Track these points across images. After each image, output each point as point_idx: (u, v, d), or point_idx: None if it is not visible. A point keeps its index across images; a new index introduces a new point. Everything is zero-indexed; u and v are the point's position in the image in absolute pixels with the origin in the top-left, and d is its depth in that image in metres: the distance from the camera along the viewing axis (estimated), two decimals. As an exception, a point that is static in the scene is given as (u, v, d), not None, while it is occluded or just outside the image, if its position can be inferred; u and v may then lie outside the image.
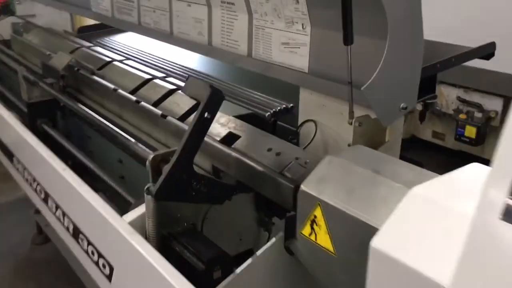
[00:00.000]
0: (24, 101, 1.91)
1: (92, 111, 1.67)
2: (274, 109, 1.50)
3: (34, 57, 2.46)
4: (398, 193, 0.81)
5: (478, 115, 3.73)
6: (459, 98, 3.80)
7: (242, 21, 1.55)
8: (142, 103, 1.57)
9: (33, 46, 2.46)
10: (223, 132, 1.35)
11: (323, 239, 0.90)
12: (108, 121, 1.56)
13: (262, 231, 1.45)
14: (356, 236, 0.84)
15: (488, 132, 3.79)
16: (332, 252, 0.89)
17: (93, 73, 1.83)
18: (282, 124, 1.47)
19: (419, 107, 3.40)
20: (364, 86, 1.01)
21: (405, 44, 1.04)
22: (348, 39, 1.02)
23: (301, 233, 0.96)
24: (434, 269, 0.63)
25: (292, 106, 1.52)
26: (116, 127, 1.52)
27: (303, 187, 0.94)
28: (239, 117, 1.43)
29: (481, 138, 3.75)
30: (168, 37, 1.90)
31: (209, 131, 1.25)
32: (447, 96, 3.92)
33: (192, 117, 1.48)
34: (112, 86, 1.71)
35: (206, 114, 1.10)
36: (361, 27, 1.04)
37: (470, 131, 3.66)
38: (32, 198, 1.74)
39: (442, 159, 4.26)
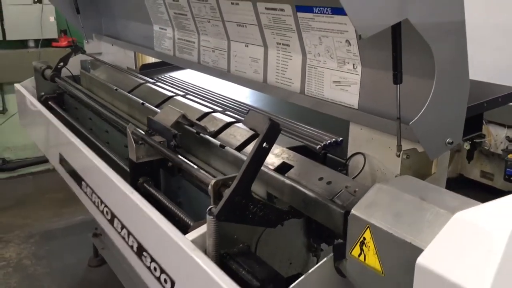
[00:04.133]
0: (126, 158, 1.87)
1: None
2: (324, 142, 1.61)
3: (101, 91, 2.69)
4: (442, 218, 0.89)
5: (527, 155, 3.68)
6: (508, 138, 3.77)
7: (296, 61, 1.68)
8: (202, 134, 1.72)
9: (100, 81, 2.69)
10: (277, 162, 1.47)
11: (372, 260, 0.98)
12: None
13: (311, 257, 1.53)
14: (402, 256, 0.91)
15: (538, 172, 3.72)
16: (380, 272, 0.97)
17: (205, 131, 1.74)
18: (331, 156, 1.56)
19: (467, 146, 3.40)
20: (412, 122, 1.11)
21: (451, 83, 1.13)
22: (397, 79, 1.12)
23: (351, 254, 1.04)
24: (471, 282, 0.70)
25: (341, 140, 1.62)
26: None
27: (353, 211, 1.03)
28: (292, 148, 1.54)
29: (530, 179, 3.69)
30: (225, 74, 2.06)
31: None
32: (496, 136, 3.89)
33: (249, 147, 1.63)
34: (218, 143, 1.67)
35: (264, 144, 1.22)
36: (410, 68, 1.14)
37: (520, 171, 3.61)
38: (98, 219, 1.89)
39: (491, 200, 4.19)
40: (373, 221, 0.98)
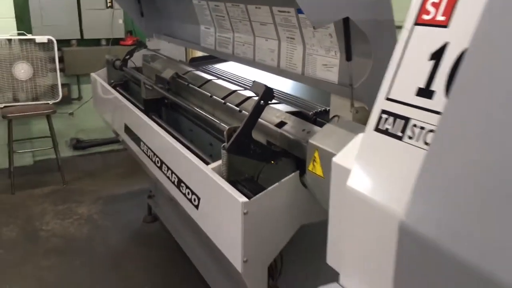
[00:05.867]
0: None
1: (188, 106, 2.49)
2: (315, 110, 2.16)
3: (158, 78, 3.36)
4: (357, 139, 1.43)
5: None
6: None
7: (299, 50, 2.24)
8: (227, 103, 2.32)
9: (157, 70, 3.36)
10: (277, 120, 2.04)
11: (318, 170, 1.54)
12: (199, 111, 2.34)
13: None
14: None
15: None
16: (322, 177, 1.52)
17: (189, 83, 2.71)
18: (320, 120, 2.11)
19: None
20: (355, 85, 1.65)
21: (384, 61, 1.65)
22: (349, 57, 1.67)
23: (308, 169, 1.60)
24: (349, 163, 1.25)
25: (329, 109, 2.16)
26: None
27: (310, 140, 1.59)
28: (291, 112, 2.11)
29: None
30: (251, 62, 2.64)
31: (266, 120, 1.95)
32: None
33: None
34: (204, 92, 2.53)
35: (261, 102, 1.79)
36: (358, 51, 1.68)
37: None
38: (151, 168, 2.53)
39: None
40: (319, 145, 1.54)
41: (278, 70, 2.41)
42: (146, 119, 2.58)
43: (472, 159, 0.92)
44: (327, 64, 2.05)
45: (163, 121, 2.67)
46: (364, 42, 1.64)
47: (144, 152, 2.66)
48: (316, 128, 1.89)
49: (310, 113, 2.14)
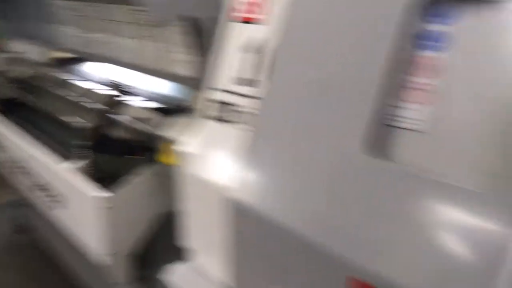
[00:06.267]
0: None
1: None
2: (179, 104, 2.26)
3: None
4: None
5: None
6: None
7: (156, 47, 2.31)
8: (82, 103, 2.33)
9: (18, 72, 3.22)
10: (138, 116, 2.10)
11: (169, 159, 1.64)
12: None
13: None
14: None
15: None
16: (173, 165, 1.62)
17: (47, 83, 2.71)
18: (181, 114, 2.21)
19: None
20: (204, 79, 1.78)
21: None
22: (197, 52, 1.79)
23: (160, 159, 1.69)
24: (191, 149, 1.36)
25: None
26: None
27: (159, 132, 1.68)
28: (154, 108, 2.17)
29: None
30: (113, 61, 2.66)
31: (130, 116, 2.02)
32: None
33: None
34: (61, 92, 2.55)
35: (114, 99, 1.85)
36: (204, 47, 1.81)
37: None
38: (16, 177, 2.45)
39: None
40: (166, 136, 1.64)
41: (139, 67, 2.46)
42: (1, 126, 2.48)
43: (287, 137, 1.08)
44: (180, 60, 2.15)
45: (22, 125, 2.57)
46: (209, 38, 1.77)
47: (6, 160, 2.56)
48: (172, 121, 1.98)
49: (173, 107, 2.23)
